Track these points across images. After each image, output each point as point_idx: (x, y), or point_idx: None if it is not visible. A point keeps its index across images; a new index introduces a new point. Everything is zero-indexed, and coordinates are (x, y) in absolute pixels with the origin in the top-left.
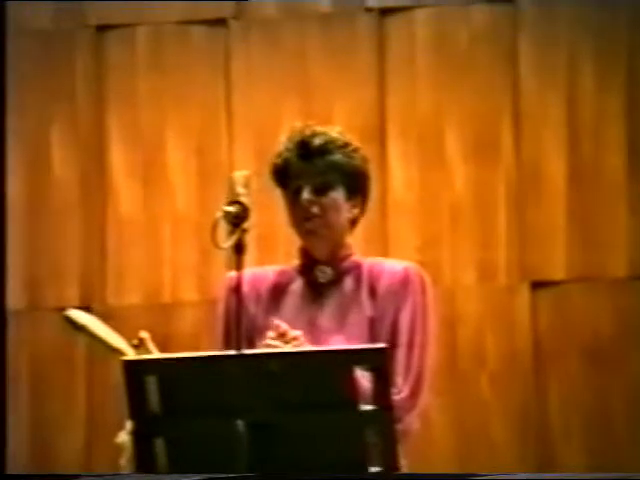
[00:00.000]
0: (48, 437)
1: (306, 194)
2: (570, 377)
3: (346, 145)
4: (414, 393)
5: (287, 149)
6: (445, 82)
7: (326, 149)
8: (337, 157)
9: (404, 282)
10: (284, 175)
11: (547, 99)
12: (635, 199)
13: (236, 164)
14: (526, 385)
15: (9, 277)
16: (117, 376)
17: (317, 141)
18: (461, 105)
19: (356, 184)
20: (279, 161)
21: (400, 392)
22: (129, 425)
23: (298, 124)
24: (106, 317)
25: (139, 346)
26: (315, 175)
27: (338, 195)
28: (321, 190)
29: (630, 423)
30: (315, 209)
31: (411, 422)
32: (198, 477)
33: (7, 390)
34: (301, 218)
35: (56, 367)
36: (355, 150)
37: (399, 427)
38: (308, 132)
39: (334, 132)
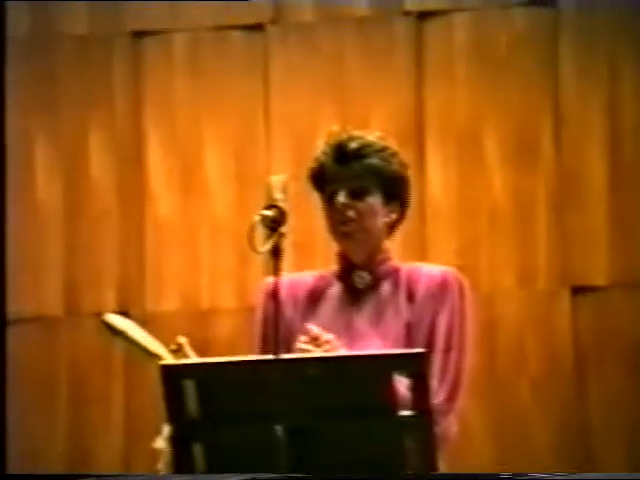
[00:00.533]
0: (87, 442)
1: (342, 198)
2: (611, 383)
3: (384, 149)
4: (451, 397)
5: (324, 153)
6: (484, 86)
7: (363, 153)
8: (374, 161)
9: (442, 286)
10: (321, 179)
11: (587, 102)
12: None
13: (274, 168)
14: (567, 390)
15: (47, 282)
16: (155, 381)
17: (353, 145)
18: (500, 109)
19: (394, 189)
20: (316, 165)
21: (436, 395)
22: (166, 430)
23: (336, 128)
24: (144, 323)
25: (177, 351)
26: (351, 179)
27: (375, 200)
28: (357, 194)
29: None
30: (351, 213)
31: (448, 426)
32: (224, 477)
33: (7, 391)
34: (337, 222)
35: (94, 372)
36: (393, 154)
37: (436, 430)
38: (345, 136)
39: (372, 136)
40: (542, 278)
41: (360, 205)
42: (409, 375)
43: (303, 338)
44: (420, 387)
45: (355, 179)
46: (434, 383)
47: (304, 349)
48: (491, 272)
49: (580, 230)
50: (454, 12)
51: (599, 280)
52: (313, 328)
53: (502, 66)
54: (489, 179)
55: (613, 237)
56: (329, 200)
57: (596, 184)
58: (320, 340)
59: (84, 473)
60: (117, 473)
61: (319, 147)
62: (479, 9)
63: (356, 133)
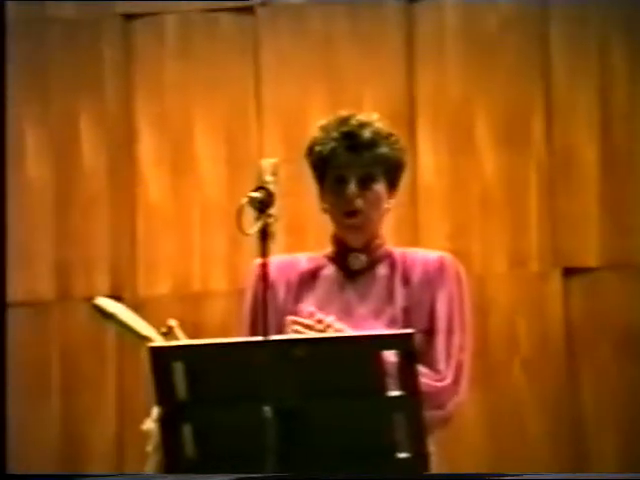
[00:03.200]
0: (79, 426)
1: (353, 186)
2: (603, 364)
3: (389, 136)
4: (456, 380)
5: (333, 139)
6: (475, 68)
7: (374, 142)
8: (383, 150)
9: (440, 271)
10: (326, 163)
11: (578, 85)
12: None
13: (265, 151)
14: (559, 372)
15: (39, 267)
16: (147, 364)
17: (367, 134)
18: (491, 91)
19: (396, 176)
20: (325, 150)
21: (444, 379)
22: (155, 412)
23: (344, 112)
24: (137, 306)
25: (168, 334)
26: (361, 167)
27: (380, 187)
28: (365, 182)
29: None
30: (359, 202)
31: (452, 409)
32: (199, 477)
33: (7, 389)
34: (344, 212)
35: (87, 356)
36: (397, 141)
37: (440, 414)
38: (355, 123)
39: (377, 122)
40: (534, 260)
41: (368, 194)
42: (398, 355)
43: (305, 320)
44: (409, 368)
45: (364, 167)
46: (440, 366)
47: (299, 330)
48: (483, 255)
49: (571, 212)
50: None
51: (590, 261)
52: (316, 312)
53: (492, 48)
54: (480, 162)
55: (604, 219)
56: (336, 185)
57: (587, 167)
58: (323, 323)
59: (78, 458)
60: (109, 473)
61: (322, 129)
62: None
63: (364, 119)
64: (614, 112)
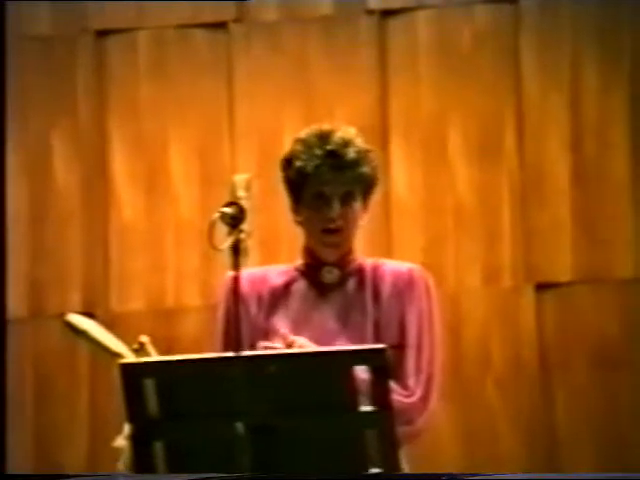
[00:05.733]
0: (52, 443)
1: (336, 205)
2: (576, 379)
3: (367, 153)
4: (426, 396)
5: (317, 156)
6: (447, 83)
7: (357, 162)
8: (365, 169)
9: (409, 284)
10: (307, 179)
11: (550, 99)
12: None
13: (239, 168)
14: (532, 387)
15: (12, 284)
16: (119, 381)
17: (351, 154)
18: (464, 106)
19: (370, 192)
20: (308, 167)
21: (412, 395)
22: (127, 429)
23: (322, 126)
24: (110, 323)
25: (139, 350)
26: (343, 185)
27: (357, 205)
28: (345, 200)
29: (638, 424)
30: (340, 222)
31: (423, 424)
32: (193, 477)
33: (8, 392)
34: (323, 228)
35: (59, 374)
36: (374, 159)
37: (409, 429)
38: (339, 141)
39: (357, 139)
40: (507, 275)
41: (348, 211)
42: (370, 370)
43: (277, 344)
44: (381, 383)
45: (346, 185)
46: (409, 382)
47: (269, 347)
48: (456, 269)
49: (544, 226)
50: (416, 10)
51: (563, 276)
52: (287, 334)
53: (465, 63)
54: (453, 176)
55: (576, 233)
56: (314, 201)
57: (559, 180)
58: (294, 346)
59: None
60: (102, 473)
61: (302, 143)
62: (441, 6)
63: (346, 136)
64: (585, 126)
